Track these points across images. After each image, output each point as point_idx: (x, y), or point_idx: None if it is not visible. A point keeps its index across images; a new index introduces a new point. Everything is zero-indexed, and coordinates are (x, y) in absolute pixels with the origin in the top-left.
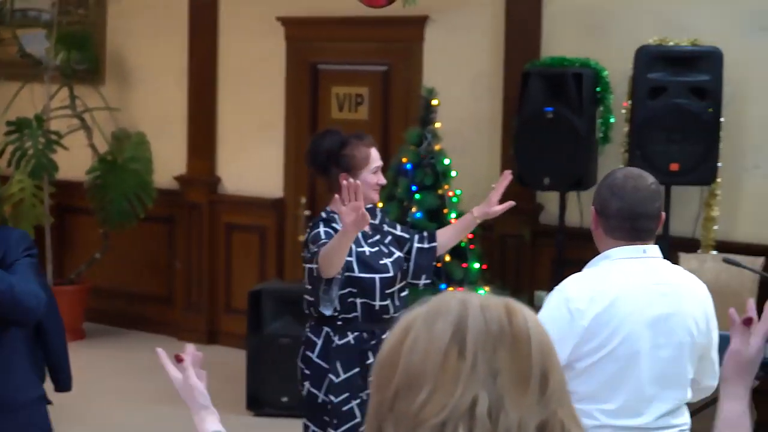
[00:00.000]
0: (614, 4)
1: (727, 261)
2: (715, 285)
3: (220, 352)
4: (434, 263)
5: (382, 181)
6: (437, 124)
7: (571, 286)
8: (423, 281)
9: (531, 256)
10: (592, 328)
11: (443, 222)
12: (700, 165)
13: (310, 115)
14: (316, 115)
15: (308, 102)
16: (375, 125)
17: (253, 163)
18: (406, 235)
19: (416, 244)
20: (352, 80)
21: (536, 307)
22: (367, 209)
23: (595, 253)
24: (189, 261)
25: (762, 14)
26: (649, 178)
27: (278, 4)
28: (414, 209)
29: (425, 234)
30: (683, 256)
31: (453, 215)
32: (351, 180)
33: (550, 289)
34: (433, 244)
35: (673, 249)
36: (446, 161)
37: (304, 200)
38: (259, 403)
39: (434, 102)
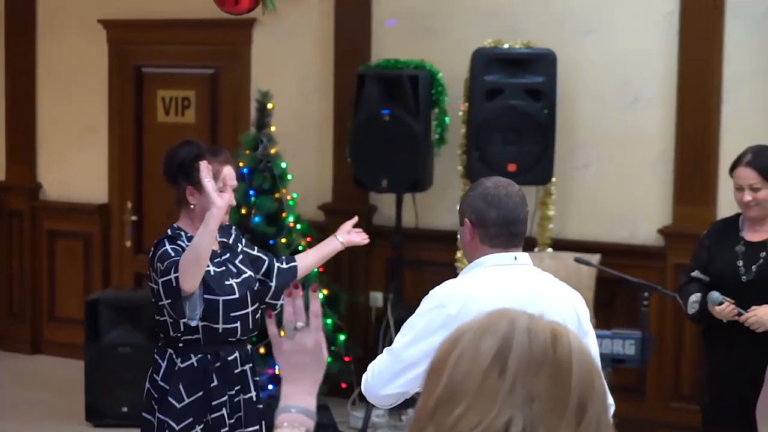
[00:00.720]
0: (444, 6)
1: (578, 260)
2: None
3: (47, 362)
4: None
5: (232, 202)
6: (272, 128)
7: (443, 292)
8: (281, 302)
9: (365, 257)
10: None
11: (282, 226)
12: (536, 165)
13: (134, 119)
14: (142, 119)
15: (133, 105)
16: (203, 128)
17: (76, 168)
18: (264, 257)
19: (276, 264)
20: (178, 83)
21: (371, 307)
22: (222, 228)
23: (431, 253)
24: (10, 270)
25: (589, 16)
26: (516, 185)
27: (99, 6)
28: (253, 213)
29: (283, 257)
30: None
31: (291, 218)
32: (206, 165)
33: (384, 289)
34: (293, 264)
35: None
36: (283, 164)
37: (130, 205)
38: (98, 413)
39: (269, 105)
